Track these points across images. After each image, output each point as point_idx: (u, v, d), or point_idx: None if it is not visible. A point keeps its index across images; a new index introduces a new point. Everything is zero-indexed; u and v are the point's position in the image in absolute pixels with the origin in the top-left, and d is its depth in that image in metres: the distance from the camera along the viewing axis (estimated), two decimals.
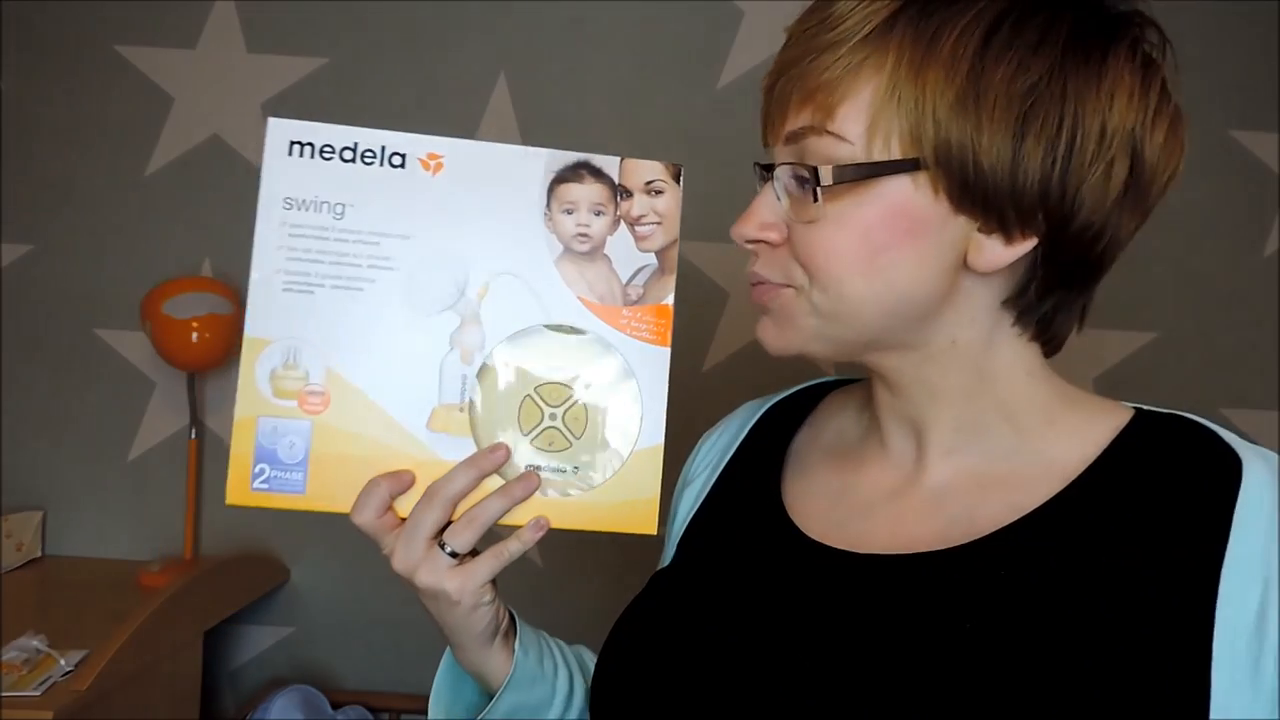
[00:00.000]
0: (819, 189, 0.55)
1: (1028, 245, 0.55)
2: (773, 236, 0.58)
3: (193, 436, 1.52)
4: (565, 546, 1.54)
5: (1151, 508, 0.54)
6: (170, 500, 1.56)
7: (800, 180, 0.56)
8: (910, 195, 0.55)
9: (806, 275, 0.57)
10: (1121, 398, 0.62)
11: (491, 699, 0.68)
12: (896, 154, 0.54)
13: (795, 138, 0.56)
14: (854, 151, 0.54)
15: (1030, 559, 0.54)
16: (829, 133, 0.55)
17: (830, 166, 0.55)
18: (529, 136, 1.56)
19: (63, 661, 1.11)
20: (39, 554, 1.54)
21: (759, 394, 0.79)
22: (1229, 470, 0.54)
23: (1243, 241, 1.57)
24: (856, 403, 0.70)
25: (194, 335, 1.43)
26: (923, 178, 0.54)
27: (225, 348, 1.47)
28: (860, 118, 0.54)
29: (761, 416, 0.75)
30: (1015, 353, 0.60)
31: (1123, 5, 0.56)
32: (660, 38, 1.55)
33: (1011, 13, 0.54)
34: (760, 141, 0.61)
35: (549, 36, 1.56)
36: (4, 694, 1.04)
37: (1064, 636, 0.51)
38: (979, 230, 0.56)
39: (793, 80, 0.56)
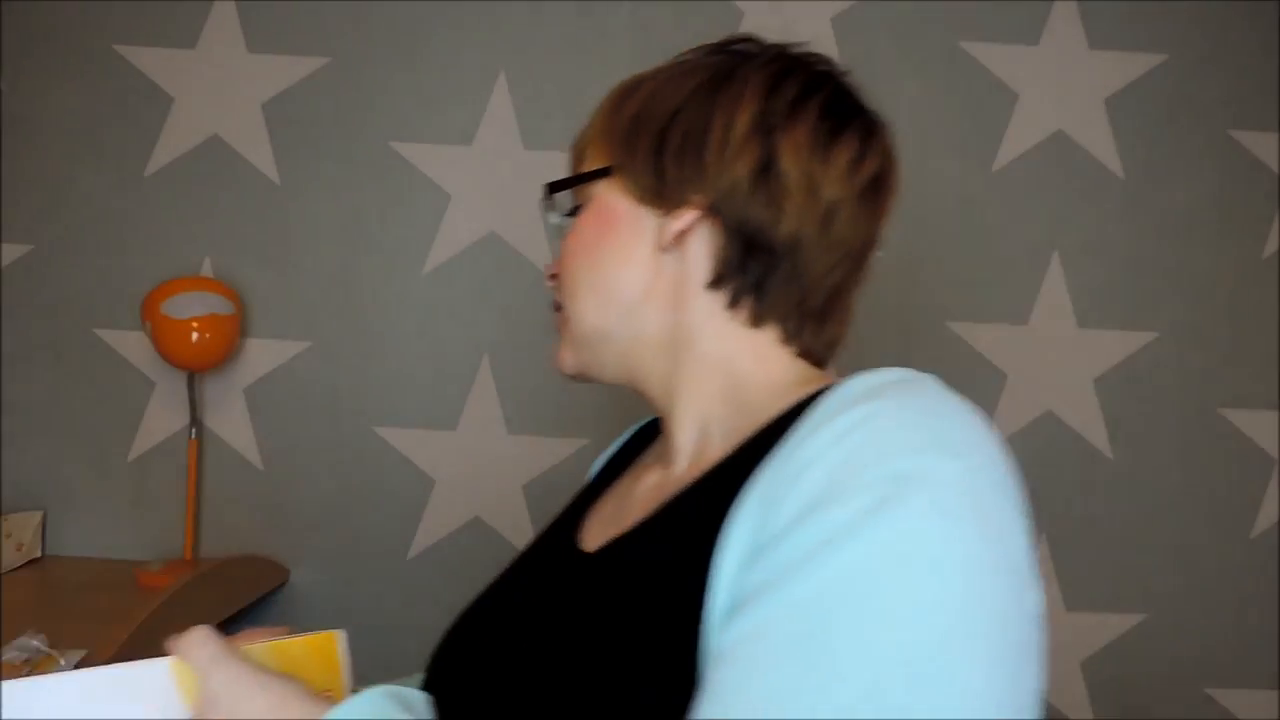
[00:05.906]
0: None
1: (689, 217, 0.63)
2: None
3: (193, 436, 1.52)
4: None
5: (759, 461, 0.53)
6: (170, 500, 1.56)
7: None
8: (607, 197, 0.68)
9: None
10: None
11: None
12: (596, 165, 0.68)
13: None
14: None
15: (639, 541, 0.59)
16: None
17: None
18: (529, 136, 1.56)
19: (63, 661, 1.10)
20: (39, 554, 1.54)
21: None
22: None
23: (1243, 241, 1.57)
24: None
25: (194, 335, 1.43)
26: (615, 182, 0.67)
27: (225, 348, 1.48)
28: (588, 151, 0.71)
29: (633, 435, 0.82)
30: (739, 338, 0.65)
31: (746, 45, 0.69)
32: (660, 38, 1.55)
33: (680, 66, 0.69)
34: None
35: (549, 36, 1.56)
36: None
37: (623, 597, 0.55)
38: (659, 216, 0.65)
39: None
